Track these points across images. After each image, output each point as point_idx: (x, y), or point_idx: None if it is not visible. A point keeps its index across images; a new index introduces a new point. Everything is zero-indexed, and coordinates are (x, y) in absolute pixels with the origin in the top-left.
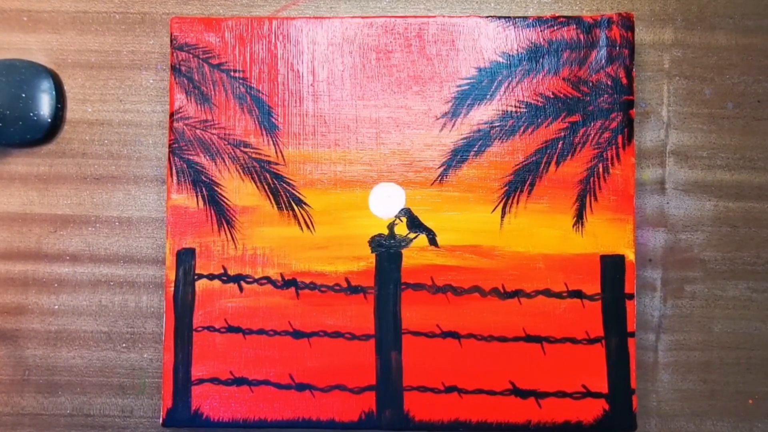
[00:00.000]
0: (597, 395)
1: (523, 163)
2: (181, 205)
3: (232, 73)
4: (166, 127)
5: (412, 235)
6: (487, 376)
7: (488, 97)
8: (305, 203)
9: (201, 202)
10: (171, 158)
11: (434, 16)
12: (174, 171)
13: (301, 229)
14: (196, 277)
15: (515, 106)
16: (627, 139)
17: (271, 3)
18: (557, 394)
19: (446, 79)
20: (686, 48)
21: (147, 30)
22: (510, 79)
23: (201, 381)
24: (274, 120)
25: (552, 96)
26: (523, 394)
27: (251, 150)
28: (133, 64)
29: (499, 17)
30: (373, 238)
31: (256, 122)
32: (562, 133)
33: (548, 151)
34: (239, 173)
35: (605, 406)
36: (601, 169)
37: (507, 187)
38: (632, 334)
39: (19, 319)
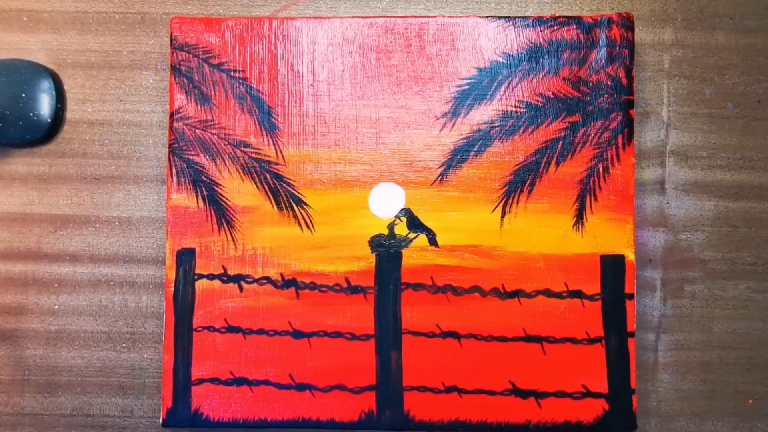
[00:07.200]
0: (597, 395)
1: (523, 163)
2: (181, 205)
3: (232, 73)
4: (166, 127)
5: (412, 235)
6: (487, 376)
7: (488, 97)
8: (305, 203)
9: (201, 202)
10: (171, 158)
11: (434, 16)
12: (174, 171)
13: (301, 229)
14: (196, 277)
15: (515, 106)
16: (627, 139)
17: (271, 3)
18: (557, 394)
19: (446, 79)
20: (686, 48)
21: (147, 30)
22: (510, 79)
23: (201, 381)
24: (274, 120)
25: (552, 96)
26: (523, 394)
27: (251, 150)
28: (133, 64)
29: (499, 17)
30: (373, 238)
31: (256, 122)
32: (562, 133)
33: (548, 151)
34: (239, 173)
35: (605, 406)
36: (601, 169)
37: (507, 187)
38: (632, 334)
39: (19, 319)
